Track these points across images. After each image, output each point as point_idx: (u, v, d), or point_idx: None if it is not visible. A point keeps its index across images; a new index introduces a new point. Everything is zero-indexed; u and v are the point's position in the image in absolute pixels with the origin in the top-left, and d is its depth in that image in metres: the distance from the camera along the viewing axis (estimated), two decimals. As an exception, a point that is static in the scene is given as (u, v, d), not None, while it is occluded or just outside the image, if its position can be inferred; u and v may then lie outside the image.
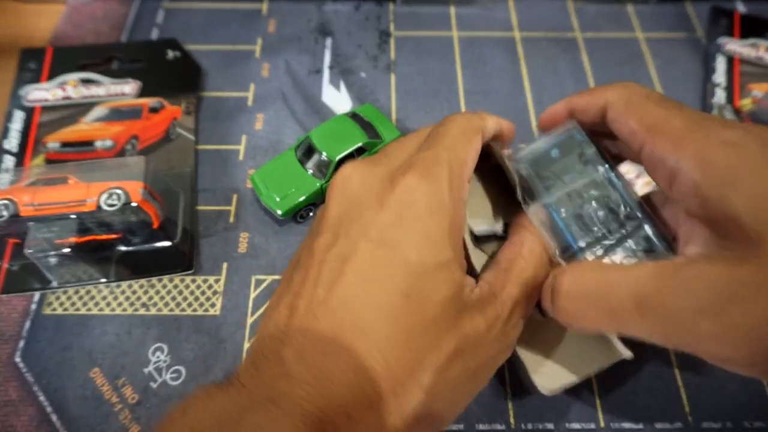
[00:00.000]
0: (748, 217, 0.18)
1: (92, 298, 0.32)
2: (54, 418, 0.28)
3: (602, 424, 0.29)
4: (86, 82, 0.40)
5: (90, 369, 0.30)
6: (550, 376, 0.26)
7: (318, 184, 0.34)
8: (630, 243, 0.24)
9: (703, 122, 0.21)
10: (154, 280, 0.33)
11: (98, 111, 0.39)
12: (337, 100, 0.41)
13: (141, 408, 0.29)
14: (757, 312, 0.17)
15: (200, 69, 0.42)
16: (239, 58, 0.43)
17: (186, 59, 0.42)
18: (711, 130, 0.20)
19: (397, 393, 0.20)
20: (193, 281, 0.33)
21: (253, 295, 0.32)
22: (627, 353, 0.25)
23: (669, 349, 0.31)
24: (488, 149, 0.27)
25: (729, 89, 0.41)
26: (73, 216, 0.31)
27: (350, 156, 0.34)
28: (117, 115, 0.39)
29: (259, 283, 0.33)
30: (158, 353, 0.30)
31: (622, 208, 0.24)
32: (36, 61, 0.41)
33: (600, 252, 0.24)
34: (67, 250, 0.31)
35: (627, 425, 0.29)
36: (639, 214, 0.24)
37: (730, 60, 0.43)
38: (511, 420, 0.29)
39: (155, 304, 0.32)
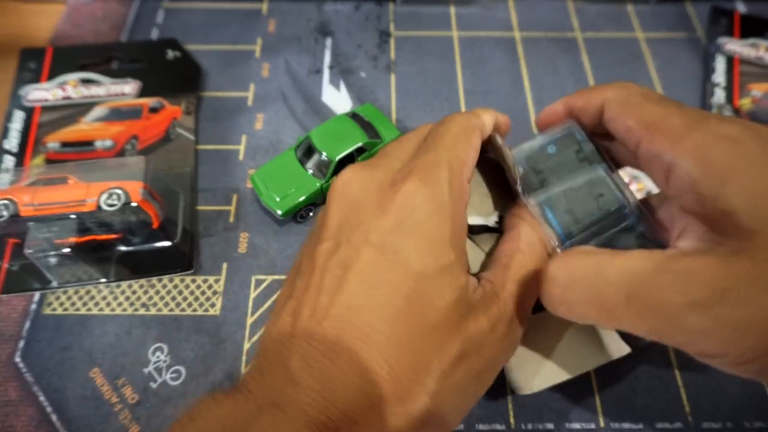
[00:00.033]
0: (743, 212, 0.18)
1: (92, 298, 0.32)
2: (54, 418, 0.28)
3: (602, 424, 0.29)
4: (86, 82, 0.40)
5: (90, 369, 0.30)
6: (529, 376, 0.26)
7: (318, 184, 0.34)
8: (623, 243, 0.24)
9: (702, 119, 0.21)
10: (154, 280, 0.33)
11: (98, 111, 0.39)
12: (337, 100, 0.41)
13: (141, 408, 0.29)
14: (749, 308, 0.17)
15: (200, 69, 0.42)
16: (239, 58, 0.43)
17: (186, 59, 0.42)
18: (709, 126, 0.20)
19: (402, 397, 0.20)
20: (193, 281, 0.33)
21: (253, 295, 0.32)
22: (614, 354, 0.25)
23: (669, 348, 0.31)
24: (485, 143, 0.27)
25: (728, 89, 0.41)
26: (73, 216, 0.31)
27: (350, 156, 0.34)
28: (117, 115, 0.39)
29: (259, 283, 0.33)
30: (158, 353, 0.30)
31: (617, 207, 0.24)
32: (36, 61, 0.41)
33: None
34: (67, 250, 0.31)
35: (627, 425, 0.29)
36: (634, 215, 0.24)
37: (730, 60, 0.43)
38: (511, 420, 0.29)
39: (155, 304, 0.32)
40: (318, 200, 0.34)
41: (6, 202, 0.31)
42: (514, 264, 0.24)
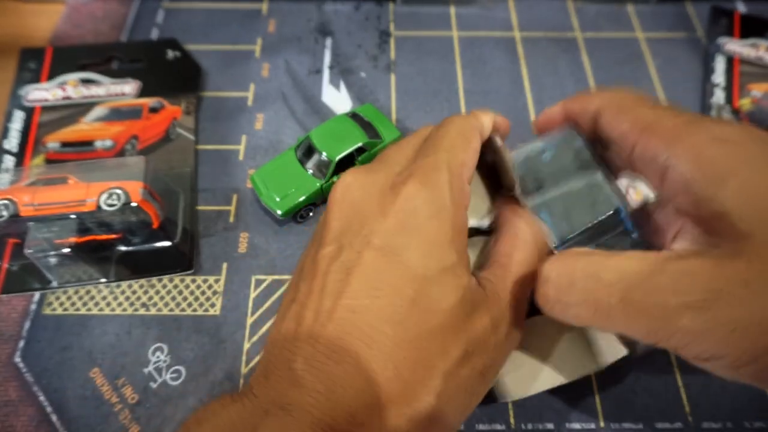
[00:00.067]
0: (738, 213, 0.18)
1: (92, 298, 0.32)
2: (54, 418, 0.28)
3: (602, 424, 0.29)
4: (86, 82, 0.40)
5: (90, 369, 0.30)
6: (520, 381, 0.26)
7: (318, 184, 0.34)
8: (619, 247, 0.24)
9: (696, 121, 0.21)
10: (154, 280, 0.33)
11: (98, 111, 0.39)
12: (337, 100, 0.41)
13: (141, 408, 0.29)
14: (744, 310, 0.17)
15: (200, 69, 0.42)
16: (239, 58, 0.43)
17: (186, 59, 0.42)
18: (704, 127, 0.20)
19: (408, 398, 0.20)
20: (193, 281, 0.33)
21: (253, 295, 0.32)
22: (609, 359, 0.25)
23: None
24: (485, 144, 0.27)
25: (728, 89, 0.41)
26: (73, 216, 0.31)
27: (350, 156, 0.34)
28: (117, 115, 0.39)
29: (259, 283, 0.33)
30: (158, 353, 0.30)
31: (613, 212, 0.24)
32: (36, 61, 0.41)
33: None
34: (67, 250, 0.31)
35: (627, 425, 0.29)
36: (629, 220, 0.24)
37: (730, 60, 0.43)
38: (511, 420, 0.29)
39: (155, 304, 0.32)
40: (318, 200, 0.34)
41: (6, 202, 0.31)
42: (512, 262, 0.24)
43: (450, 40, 0.45)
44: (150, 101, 0.39)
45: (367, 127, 0.35)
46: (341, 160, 0.34)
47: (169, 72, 0.41)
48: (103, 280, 0.32)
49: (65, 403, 0.29)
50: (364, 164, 0.33)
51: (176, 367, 0.30)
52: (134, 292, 0.32)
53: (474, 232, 0.27)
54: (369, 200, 0.24)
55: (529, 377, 0.26)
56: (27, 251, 0.31)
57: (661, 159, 0.21)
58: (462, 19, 0.47)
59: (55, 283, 0.32)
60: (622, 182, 0.24)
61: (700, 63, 0.44)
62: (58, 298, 0.32)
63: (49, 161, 0.37)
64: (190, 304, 0.32)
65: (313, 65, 0.43)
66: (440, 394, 0.20)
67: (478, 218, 0.27)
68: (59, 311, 0.32)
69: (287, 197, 0.33)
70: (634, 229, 0.24)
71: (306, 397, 0.19)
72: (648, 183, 0.23)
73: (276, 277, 0.33)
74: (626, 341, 0.26)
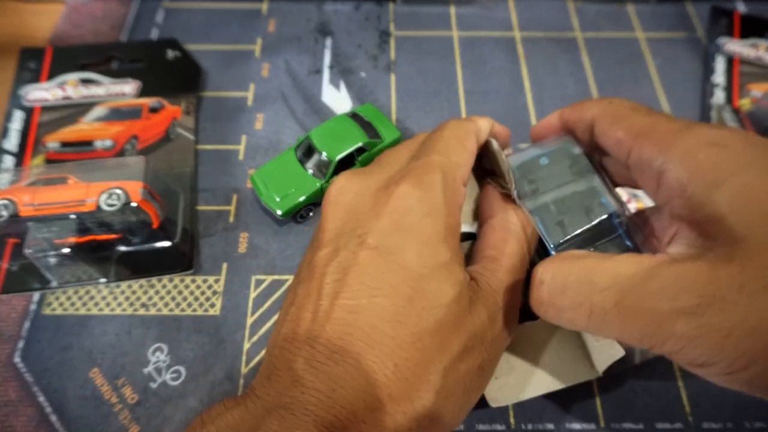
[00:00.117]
0: (732, 217, 0.18)
1: (92, 298, 0.32)
2: (53, 418, 0.28)
3: (602, 424, 0.29)
4: (86, 81, 0.40)
5: (90, 369, 0.30)
6: (507, 388, 0.26)
7: (318, 184, 0.34)
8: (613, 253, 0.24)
9: (691, 126, 0.21)
10: (153, 280, 0.33)
11: (98, 111, 0.39)
12: (337, 100, 0.41)
13: (141, 408, 0.29)
14: (737, 315, 0.16)
15: (200, 69, 0.42)
16: (239, 58, 0.43)
17: (186, 59, 0.42)
18: (698, 132, 0.20)
19: (410, 395, 0.20)
20: (193, 281, 0.33)
21: (253, 295, 0.32)
22: (598, 371, 0.25)
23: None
24: (482, 148, 0.27)
25: (728, 89, 0.41)
26: (72, 216, 0.31)
27: (350, 156, 0.34)
28: (117, 115, 0.39)
29: (259, 283, 0.33)
30: (158, 353, 0.30)
31: (607, 217, 0.24)
32: (35, 61, 0.41)
33: None
34: (66, 250, 0.31)
35: (627, 425, 0.29)
36: (624, 226, 0.24)
37: (730, 60, 0.43)
38: (511, 420, 0.29)
39: (155, 304, 0.32)
40: (318, 200, 0.34)
41: (6, 202, 0.31)
42: (504, 255, 0.24)
43: (450, 40, 0.45)
44: (150, 101, 0.39)
45: (367, 127, 0.35)
46: (341, 160, 0.34)
47: (169, 72, 0.41)
48: (103, 280, 0.32)
49: (65, 404, 0.29)
50: (362, 166, 0.34)
51: (176, 367, 0.30)
52: (134, 292, 0.32)
53: (465, 237, 0.27)
54: (363, 201, 0.24)
55: (524, 382, 0.26)
56: (27, 251, 0.31)
57: (656, 164, 0.21)
58: (462, 19, 0.47)
59: (54, 283, 0.32)
60: (624, 193, 0.24)
61: (700, 63, 0.44)
62: (57, 298, 0.32)
63: (49, 161, 0.37)
64: (190, 304, 0.32)
65: (313, 65, 0.43)
66: (440, 390, 0.20)
67: (470, 223, 0.27)
68: (59, 311, 0.32)
69: (287, 197, 0.33)
70: (630, 234, 0.24)
71: (307, 396, 0.19)
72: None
73: (276, 277, 0.33)
74: (624, 346, 0.26)
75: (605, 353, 0.26)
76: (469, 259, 0.26)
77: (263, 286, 0.33)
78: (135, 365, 0.30)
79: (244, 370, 0.30)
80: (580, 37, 0.45)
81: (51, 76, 0.41)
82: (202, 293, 0.32)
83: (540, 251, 0.26)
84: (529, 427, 0.29)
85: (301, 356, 0.20)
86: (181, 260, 0.33)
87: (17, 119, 0.38)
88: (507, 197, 0.26)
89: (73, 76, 0.41)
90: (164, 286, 0.32)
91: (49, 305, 0.32)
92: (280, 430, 0.18)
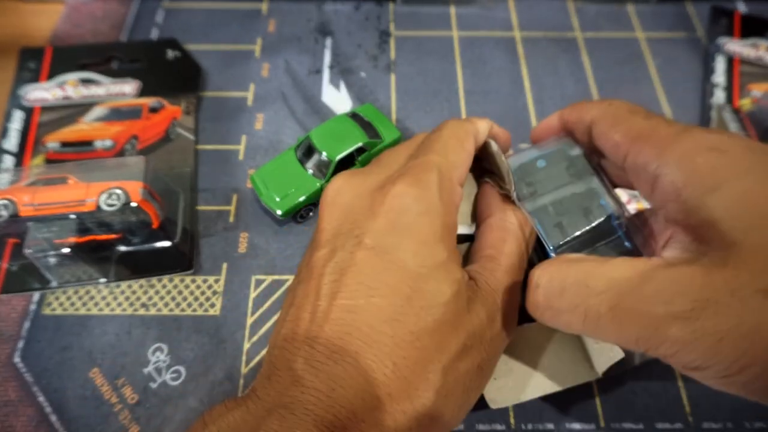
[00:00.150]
0: (727, 221, 0.18)
1: (92, 298, 0.32)
2: (53, 418, 0.28)
3: (602, 424, 0.29)
4: (86, 81, 0.40)
5: (90, 369, 0.30)
6: (506, 390, 0.26)
7: (318, 184, 0.34)
8: (612, 256, 0.24)
9: (688, 130, 0.21)
10: (153, 280, 0.33)
11: (98, 111, 0.39)
12: (337, 100, 0.41)
13: (141, 408, 0.29)
14: (731, 319, 0.17)
15: (200, 69, 0.42)
16: (239, 58, 0.43)
17: (186, 59, 0.42)
18: (695, 136, 0.20)
19: (409, 395, 0.20)
20: (193, 281, 0.33)
21: (253, 295, 0.32)
22: (598, 372, 0.25)
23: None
24: (481, 150, 0.27)
25: (728, 89, 0.41)
26: (72, 216, 0.31)
27: (350, 156, 0.34)
28: (117, 115, 0.39)
29: (259, 283, 0.33)
30: (158, 353, 0.30)
31: (605, 219, 0.24)
32: (35, 61, 0.41)
33: None
34: (66, 250, 0.31)
35: (627, 425, 0.29)
36: (623, 228, 0.24)
37: (730, 60, 0.43)
38: (511, 420, 0.29)
39: (155, 304, 0.32)
40: (318, 200, 0.34)
41: (6, 202, 0.31)
42: (502, 254, 0.24)
43: (450, 40, 0.45)
44: (150, 101, 0.39)
45: (367, 127, 0.35)
46: (341, 160, 0.34)
47: (169, 72, 0.41)
48: (103, 280, 0.32)
49: (65, 404, 0.29)
50: (362, 166, 0.34)
51: (176, 367, 0.30)
52: (134, 292, 0.32)
53: (462, 239, 0.27)
54: (360, 202, 0.24)
55: (523, 383, 0.26)
56: (26, 251, 0.31)
57: (652, 167, 0.21)
58: (462, 19, 0.47)
59: (54, 283, 0.32)
60: (624, 195, 0.24)
61: (700, 63, 0.44)
62: (57, 298, 0.32)
63: (49, 161, 0.37)
64: (190, 304, 0.32)
65: (313, 65, 0.43)
66: (439, 389, 0.20)
67: (468, 225, 0.27)
68: (59, 311, 0.32)
69: (287, 197, 0.33)
70: (629, 237, 0.24)
71: (307, 395, 0.19)
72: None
73: (276, 277, 0.33)
74: (623, 347, 0.26)
75: (605, 355, 0.26)
76: (467, 259, 0.26)
77: (263, 286, 0.33)
78: (135, 365, 0.30)
79: (244, 370, 0.30)
80: (580, 37, 0.45)
81: (51, 76, 0.41)
82: (202, 293, 0.32)
83: (539, 251, 0.26)
84: (529, 427, 0.29)
85: (300, 356, 0.20)
86: (181, 260, 0.33)
87: (17, 119, 0.38)
88: (505, 197, 0.26)
89: (73, 76, 0.41)
90: (164, 286, 0.32)
91: (49, 305, 0.32)
92: (281, 430, 0.18)
